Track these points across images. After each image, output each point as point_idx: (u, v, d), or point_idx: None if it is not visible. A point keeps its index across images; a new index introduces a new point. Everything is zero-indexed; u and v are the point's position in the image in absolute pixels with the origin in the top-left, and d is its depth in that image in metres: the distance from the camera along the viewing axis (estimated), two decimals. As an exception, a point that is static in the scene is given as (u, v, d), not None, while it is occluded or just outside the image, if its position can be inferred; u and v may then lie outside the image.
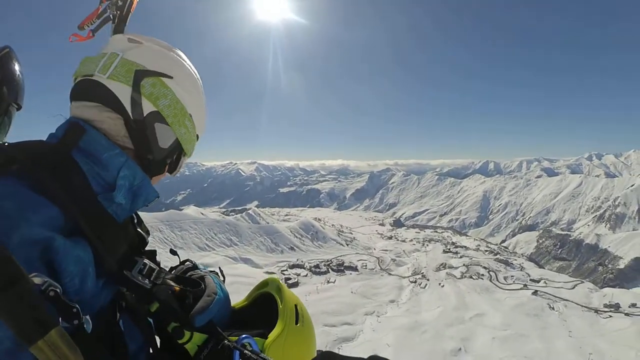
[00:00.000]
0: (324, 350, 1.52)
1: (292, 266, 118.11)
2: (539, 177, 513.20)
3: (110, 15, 1.44)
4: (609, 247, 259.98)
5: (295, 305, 1.51)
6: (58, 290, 0.82)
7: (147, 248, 1.43)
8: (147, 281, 1.17)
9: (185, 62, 1.38)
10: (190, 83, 1.36)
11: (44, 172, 1.02)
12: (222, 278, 1.63)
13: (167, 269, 1.55)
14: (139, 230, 1.45)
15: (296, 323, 1.46)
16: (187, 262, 1.65)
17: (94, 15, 1.42)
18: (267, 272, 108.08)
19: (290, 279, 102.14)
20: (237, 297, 1.69)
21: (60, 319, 0.82)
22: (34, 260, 0.87)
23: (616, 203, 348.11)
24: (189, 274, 1.53)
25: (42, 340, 0.75)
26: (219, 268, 1.73)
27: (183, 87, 1.32)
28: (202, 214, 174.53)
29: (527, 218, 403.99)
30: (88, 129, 1.17)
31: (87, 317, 0.89)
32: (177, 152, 1.40)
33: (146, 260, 1.24)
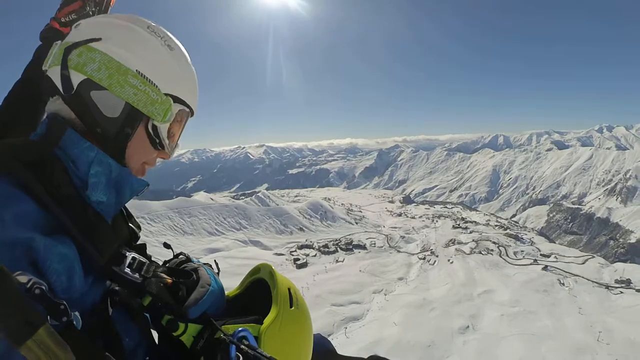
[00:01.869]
0: (324, 348, 1.51)
1: (301, 247, 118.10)
2: (549, 150, 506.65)
3: (90, 12, 1.46)
4: (620, 220, 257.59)
5: (289, 289, 1.50)
6: (44, 288, 0.80)
7: (139, 243, 1.41)
8: (137, 275, 1.16)
9: (130, 23, 1.29)
10: (130, 38, 1.25)
11: (23, 169, 1.01)
12: (216, 270, 1.61)
13: (161, 263, 1.53)
14: (130, 224, 1.43)
15: (290, 306, 1.45)
16: (181, 255, 1.62)
17: (72, 9, 1.41)
18: (277, 254, 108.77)
19: (299, 259, 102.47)
20: None
21: (48, 317, 0.80)
22: (18, 261, 0.86)
23: (627, 176, 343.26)
24: (182, 266, 1.51)
25: (31, 339, 0.73)
26: (214, 261, 1.71)
27: (119, 45, 1.22)
28: (212, 199, 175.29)
29: (538, 192, 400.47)
30: (64, 123, 1.16)
31: (76, 313, 0.88)
32: (139, 118, 1.25)
33: (135, 254, 1.21)
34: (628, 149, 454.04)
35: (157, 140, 1.33)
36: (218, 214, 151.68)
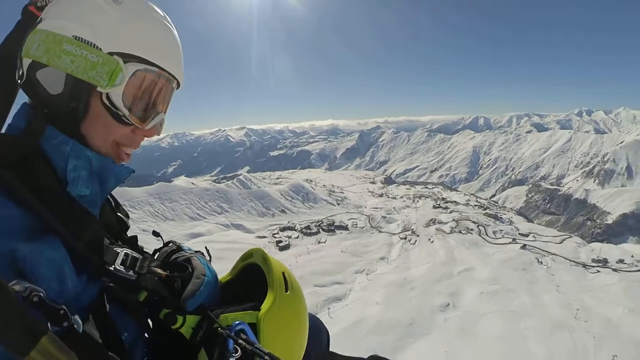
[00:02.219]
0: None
1: (283, 229, 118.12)
2: (528, 132, 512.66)
3: None
4: (598, 202, 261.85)
5: (283, 273, 1.49)
6: (42, 295, 0.79)
7: (129, 234, 1.38)
8: (131, 272, 1.13)
9: None
10: (67, 5, 1.15)
11: (3, 170, 0.95)
12: (208, 258, 1.58)
13: (151, 252, 1.49)
14: (119, 214, 1.39)
15: (286, 291, 1.44)
16: (171, 244, 1.58)
17: None
18: (259, 237, 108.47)
19: (281, 241, 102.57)
20: (230, 263, 1.67)
21: (49, 323, 0.79)
22: (3, 273, 0.80)
23: (605, 159, 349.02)
24: (173, 256, 1.47)
25: (35, 350, 0.71)
26: (205, 247, 1.68)
27: (56, 16, 1.14)
28: (193, 183, 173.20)
29: (517, 173, 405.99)
30: (43, 118, 1.11)
31: (76, 316, 0.86)
32: (84, 89, 1.12)
33: (127, 250, 1.16)
34: (606, 133, 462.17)
35: (121, 113, 1.18)
36: (199, 198, 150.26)
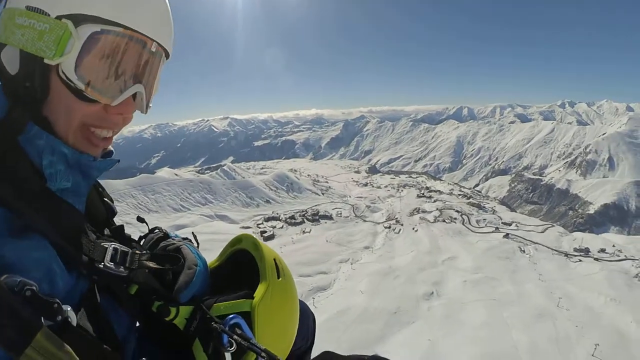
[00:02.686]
0: (324, 350, 1.44)
1: (268, 219, 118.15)
2: (512, 122, 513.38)
3: None
4: (580, 192, 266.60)
5: (274, 259, 1.48)
6: (34, 288, 0.75)
7: (117, 225, 1.32)
8: (122, 268, 1.06)
9: None
10: None
11: None
12: (196, 244, 1.54)
13: (137, 239, 1.45)
14: (105, 199, 1.33)
15: (278, 277, 1.43)
16: (157, 230, 1.53)
17: None
18: (243, 227, 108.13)
19: (265, 232, 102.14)
20: (214, 254, 1.63)
21: (43, 318, 0.76)
22: None
23: (587, 150, 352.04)
24: (161, 244, 1.43)
25: (30, 347, 0.69)
26: (192, 233, 1.64)
27: None
28: (176, 174, 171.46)
29: (500, 163, 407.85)
30: (25, 108, 0.98)
31: (70, 309, 0.82)
32: (35, 64, 0.96)
33: (116, 245, 1.09)
34: (589, 125, 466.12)
35: (77, 87, 0.99)
36: (183, 189, 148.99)
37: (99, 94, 1.01)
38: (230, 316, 1.21)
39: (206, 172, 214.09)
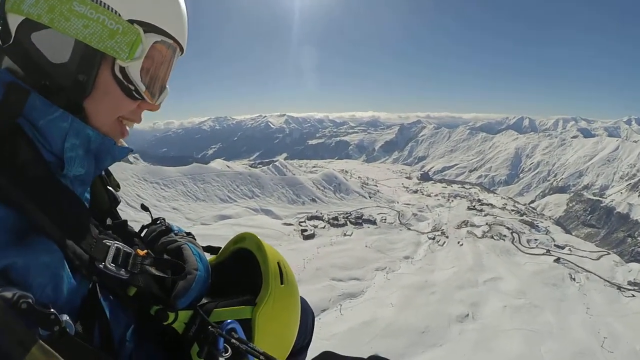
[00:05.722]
0: (324, 350, 1.39)
1: (311, 218, 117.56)
2: (574, 137, 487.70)
3: None
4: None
5: (278, 263, 1.42)
6: (30, 301, 0.72)
7: (121, 220, 1.28)
8: (123, 271, 1.01)
9: None
10: None
11: None
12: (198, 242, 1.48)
13: (137, 230, 1.41)
14: (109, 187, 1.31)
15: (281, 283, 1.38)
16: (159, 223, 1.48)
17: None
18: (285, 224, 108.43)
19: (306, 230, 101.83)
20: None
21: (39, 329, 0.73)
22: None
23: None
24: (162, 240, 1.38)
25: None
26: (190, 233, 1.54)
27: None
28: (228, 166, 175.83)
29: (559, 179, 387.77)
30: (23, 87, 0.91)
31: (67, 318, 0.78)
32: (97, 59, 0.97)
33: (119, 244, 1.03)
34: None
35: (132, 87, 1.04)
36: (231, 181, 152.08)
37: (151, 96, 1.11)
38: (228, 321, 1.20)
39: (258, 166, 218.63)
